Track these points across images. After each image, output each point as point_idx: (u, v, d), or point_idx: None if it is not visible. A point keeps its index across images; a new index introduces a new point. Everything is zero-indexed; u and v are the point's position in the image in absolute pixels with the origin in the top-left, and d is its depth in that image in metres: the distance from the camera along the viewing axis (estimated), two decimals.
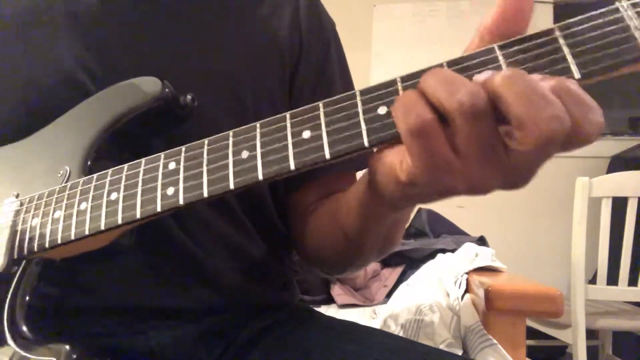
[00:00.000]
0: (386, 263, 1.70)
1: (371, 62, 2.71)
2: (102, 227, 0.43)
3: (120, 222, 0.42)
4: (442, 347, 0.89)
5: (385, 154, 0.35)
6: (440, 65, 0.33)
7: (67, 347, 0.42)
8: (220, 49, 0.60)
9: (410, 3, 2.74)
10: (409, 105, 0.31)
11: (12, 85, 0.56)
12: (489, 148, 0.30)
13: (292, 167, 0.36)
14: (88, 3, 0.57)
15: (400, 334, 1.01)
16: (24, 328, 0.45)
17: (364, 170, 0.42)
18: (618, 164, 2.31)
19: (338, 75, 0.67)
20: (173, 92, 0.50)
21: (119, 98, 0.51)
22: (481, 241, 1.65)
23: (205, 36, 0.60)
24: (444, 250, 1.52)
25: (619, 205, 1.67)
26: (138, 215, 0.42)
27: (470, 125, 0.30)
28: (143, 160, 0.44)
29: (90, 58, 0.55)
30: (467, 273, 1.07)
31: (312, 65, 0.65)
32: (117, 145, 0.51)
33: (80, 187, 0.46)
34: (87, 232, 0.44)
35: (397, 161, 0.34)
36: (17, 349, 0.44)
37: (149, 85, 0.50)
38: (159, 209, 0.41)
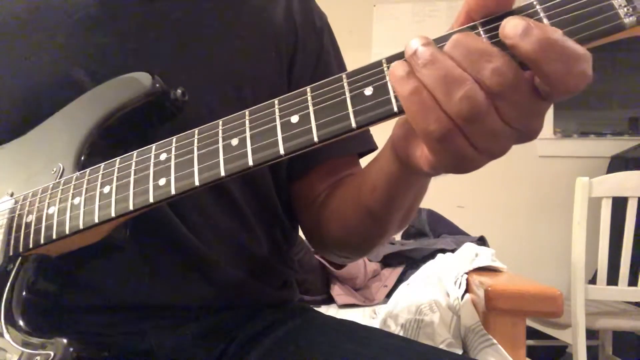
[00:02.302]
0: (386, 263, 1.69)
1: (371, 62, 2.70)
2: (96, 220, 0.43)
3: (113, 214, 0.43)
4: (442, 347, 0.89)
5: (404, 146, 0.39)
6: (428, 44, 0.33)
7: (65, 340, 0.43)
8: (218, 42, 0.60)
9: (410, 3, 2.73)
10: (426, 107, 0.32)
11: (10, 86, 0.56)
12: (499, 133, 0.32)
13: (282, 151, 0.37)
14: (86, 3, 0.57)
15: (400, 334, 1.01)
16: (21, 323, 0.45)
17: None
18: (618, 164, 2.31)
19: (334, 63, 0.68)
20: (164, 87, 0.50)
21: (111, 94, 0.51)
22: (481, 241, 1.65)
23: (202, 30, 0.60)
24: (444, 250, 1.52)
25: (619, 205, 1.67)
26: (131, 207, 0.42)
27: (473, 125, 0.31)
28: (135, 152, 0.44)
29: (88, 58, 0.55)
30: (467, 273, 1.07)
31: (308, 54, 0.66)
32: (110, 141, 0.51)
33: (73, 182, 0.46)
34: (81, 226, 0.44)
35: (417, 153, 0.37)
36: (14, 345, 0.43)
37: (140, 80, 0.50)
38: (151, 200, 0.41)
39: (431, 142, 0.33)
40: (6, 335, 0.44)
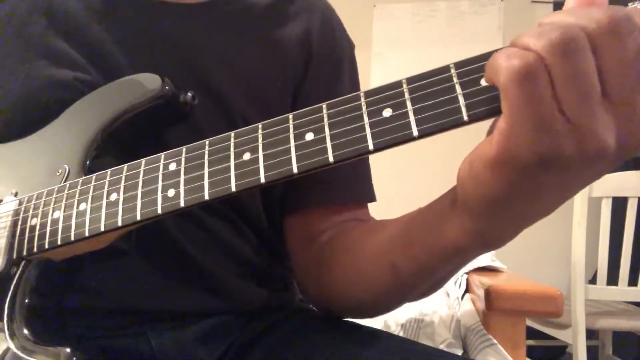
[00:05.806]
0: None
1: (371, 62, 2.71)
2: (102, 229, 0.43)
3: (120, 224, 0.42)
4: (442, 347, 0.89)
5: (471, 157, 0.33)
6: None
7: (67, 350, 0.42)
8: (217, 69, 0.58)
9: (410, 3, 2.73)
10: (511, 52, 0.29)
11: (12, 84, 0.56)
12: (590, 88, 0.28)
13: (295, 170, 0.36)
14: (89, 5, 0.57)
15: (400, 334, 1.01)
16: (25, 330, 0.45)
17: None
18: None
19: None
20: (173, 90, 0.49)
21: (119, 95, 0.50)
22: None
23: (204, 54, 0.59)
24: None
25: (619, 205, 1.67)
26: (138, 217, 0.41)
27: (564, 61, 0.27)
28: (143, 160, 0.43)
29: (89, 60, 0.55)
30: (467, 273, 1.07)
31: (318, 84, 0.63)
32: (116, 144, 0.51)
33: (79, 187, 0.46)
34: (86, 234, 0.43)
35: (485, 146, 0.31)
36: (16, 351, 0.43)
37: (149, 82, 0.49)
38: (159, 212, 0.40)
39: (510, 86, 0.28)
40: (9, 342, 0.44)
